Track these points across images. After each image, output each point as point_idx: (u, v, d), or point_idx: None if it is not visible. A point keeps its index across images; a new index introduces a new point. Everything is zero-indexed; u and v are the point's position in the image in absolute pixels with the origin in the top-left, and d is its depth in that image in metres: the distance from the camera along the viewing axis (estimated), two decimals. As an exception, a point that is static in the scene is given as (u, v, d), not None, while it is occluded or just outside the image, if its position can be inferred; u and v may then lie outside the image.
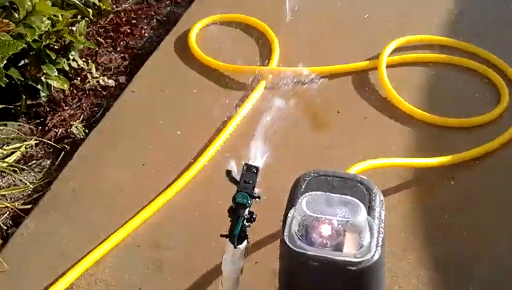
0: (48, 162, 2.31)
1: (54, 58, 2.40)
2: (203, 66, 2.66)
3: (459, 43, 2.76)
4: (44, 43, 2.38)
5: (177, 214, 2.08)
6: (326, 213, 1.46)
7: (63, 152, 2.33)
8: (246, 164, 1.52)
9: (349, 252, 1.45)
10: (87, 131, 2.43)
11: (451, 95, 2.56)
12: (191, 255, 1.96)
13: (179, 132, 2.38)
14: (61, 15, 2.46)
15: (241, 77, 2.61)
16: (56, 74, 2.44)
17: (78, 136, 2.42)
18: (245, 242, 1.53)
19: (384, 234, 1.51)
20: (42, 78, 2.44)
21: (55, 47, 2.46)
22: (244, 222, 1.48)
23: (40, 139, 2.38)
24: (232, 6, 2.98)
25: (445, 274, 1.89)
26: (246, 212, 1.48)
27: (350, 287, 1.49)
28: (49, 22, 2.36)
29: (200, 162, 2.22)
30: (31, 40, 2.30)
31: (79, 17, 2.60)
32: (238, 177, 1.49)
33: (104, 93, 2.64)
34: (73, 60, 2.65)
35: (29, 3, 2.30)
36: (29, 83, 2.42)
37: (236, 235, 1.48)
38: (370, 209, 1.54)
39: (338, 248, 1.46)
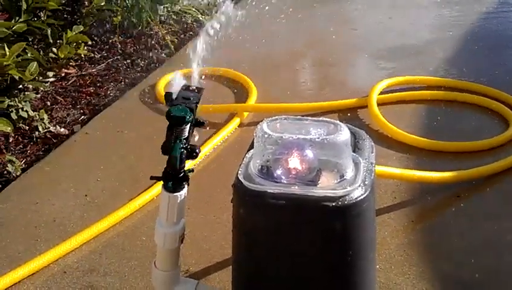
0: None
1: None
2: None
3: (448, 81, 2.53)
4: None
5: (114, 242, 1.69)
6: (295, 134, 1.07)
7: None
8: (184, 85, 1.16)
9: (326, 185, 1.04)
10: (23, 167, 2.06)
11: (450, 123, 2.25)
12: (127, 281, 1.53)
13: (131, 168, 2.03)
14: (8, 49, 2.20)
15: (213, 117, 2.29)
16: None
17: (13, 174, 2.05)
18: (185, 189, 1.11)
19: (374, 178, 1.10)
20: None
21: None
22: (182, 151, 1.08)
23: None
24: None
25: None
26: (186, 133, 1.08)
27: (328, 236, 1.04)
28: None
29: (146, 195, 1.84)
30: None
31: (29, 54, 2.33)
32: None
33: (54, 141, 2.30)
34: (24, 109, 2.35)
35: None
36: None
37: (175, 161, 1.06)
38: (357, 150, 1.15)
39: (311, 183, 1.05)
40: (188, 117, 1.07)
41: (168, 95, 1.12)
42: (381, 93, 2.39)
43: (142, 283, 1.51)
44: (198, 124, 1.16)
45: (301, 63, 2.81)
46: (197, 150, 1.11)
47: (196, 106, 1.11)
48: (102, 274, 1.55)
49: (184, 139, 1.09)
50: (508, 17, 3.29)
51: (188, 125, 1.10)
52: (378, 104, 2.28)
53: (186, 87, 1.15)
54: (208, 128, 2.21)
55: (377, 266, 1.39)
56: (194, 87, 1.15)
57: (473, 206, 1.79)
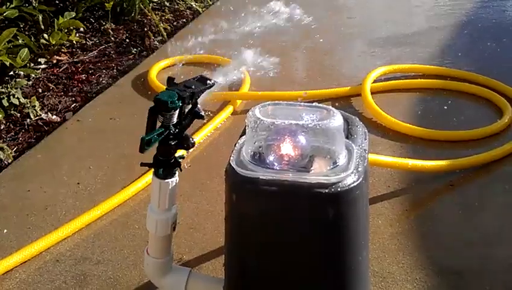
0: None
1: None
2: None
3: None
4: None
5: (107, 231, 1.68)
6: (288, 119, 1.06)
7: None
8: (199, 75, 1.14)
9: (318, 171, 1.03)
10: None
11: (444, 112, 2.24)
12: (120, 269, 1.53)
13: (124, 155, 2.01)
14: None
15: (206, 105, 2.27)
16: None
17: (4, 161, 2.03)
18: (176, 176, 1.10)
19: (367, 165, 1.09)
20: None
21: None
22: (171, 132, 1.06)
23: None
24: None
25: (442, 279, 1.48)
26: (174, 119, 1.07)
27: (321, 223, 1.03)
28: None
29: (139, 183, 1.83)
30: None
31: (20, 40, 2.31)
32: None
33: (46, 128, 2.28)
34: (15, 96, 2.33)
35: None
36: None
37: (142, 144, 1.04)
38: (350, 136, 1.14)
39: (303, 170, 1.04)
40: (172, 103, 1.05)
41: (169, 79, 1.11)
42: (375, 81, 2.38)
43: (135, 271, 1.50)
44: (196, 115, 1.14)
45: (295, 51, 2.79)
46: (191, 141, 1.09)
47: (192, 96, 1.09)
48: (95, 262, 1.54)
49: (172, 125, 1.07)
50: (503, 5, 3.28)
51: (176, 113, 1.08)
52: (372, 93, 2.27)
53: (200, 78, 1.13)
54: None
55: (371, 255, 1.38)
56: (207, 80, 1.13)
57: (467, 196, 1.78)
